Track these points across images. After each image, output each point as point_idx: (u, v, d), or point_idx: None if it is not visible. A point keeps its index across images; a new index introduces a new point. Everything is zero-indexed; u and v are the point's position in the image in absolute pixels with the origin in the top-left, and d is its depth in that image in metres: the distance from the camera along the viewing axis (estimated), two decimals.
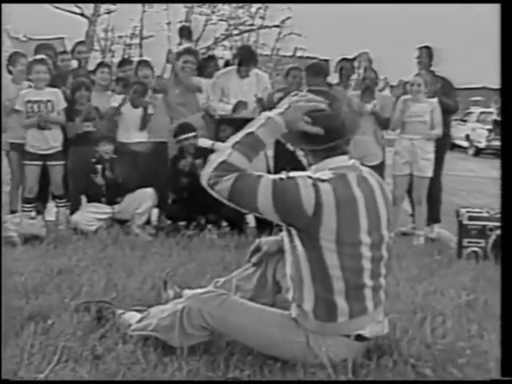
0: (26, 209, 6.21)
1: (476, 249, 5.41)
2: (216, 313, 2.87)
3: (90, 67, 7.47)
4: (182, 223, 6.19)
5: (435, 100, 6.16)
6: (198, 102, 6.62)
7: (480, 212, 5.59)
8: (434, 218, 6.58)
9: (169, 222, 6.37)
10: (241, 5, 22.31)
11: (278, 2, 21.93)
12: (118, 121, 6.47)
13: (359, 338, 2.83)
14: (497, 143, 17.69)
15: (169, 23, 21.34)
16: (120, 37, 23.16)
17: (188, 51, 6.74)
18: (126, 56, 20.10)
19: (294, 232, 2.76)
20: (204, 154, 5.98)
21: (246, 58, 6.51)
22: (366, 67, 6.44)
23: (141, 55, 19.51)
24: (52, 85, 6.27)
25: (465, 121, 22.09)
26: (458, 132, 21.41)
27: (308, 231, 2.68)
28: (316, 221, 2.64)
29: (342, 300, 2.75)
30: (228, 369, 2.83)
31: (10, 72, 6.48)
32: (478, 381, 2.87)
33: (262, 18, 22.89)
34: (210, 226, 6.05)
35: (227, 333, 2.95)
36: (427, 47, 6.69)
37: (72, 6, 19.94)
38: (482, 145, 19.72)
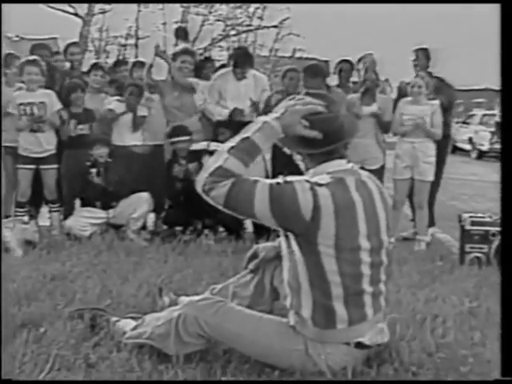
0: (18, 213, 6.20)
1: (479, 254, 5.41)
2: (212, 320, 2.87)
3: (85, 68, 7.46)
4: (179, 228, 6.19)
5: (436, 102, 6.16)
6: (195, 105, 6.61)
7: (483, 217, 5.59)
8: (429, 221, 6.58)
9: (165, 227, 6.36)
10: (238, 5, 22.31)
11: (278, 2, 21.96)
12: (113, 123, 6.46)
13: (359, 345, 2.84)
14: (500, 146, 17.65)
15: (164, 23, 21.42)
16: (115, 37, 23.16)
17: (186, 51, 6.73)
18: (120, 57, 20.12)
19: (291, 238, 2.77)
20: (198, 157, 6.01)
21: (241, 60, 6.51)
22: (366, 68, 6.45)
23: (136, 56, 19.51)
24: (47, 86, 6.27)
25: (467, 123, 22.10)
26: (461, 135, 21.45)
27: (306, 236, 2.69)
28: (314, 226, 2.65)
29: (341, 307, 2.75)
30: (225, 377, 2.83)
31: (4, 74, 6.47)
32: (478, 381, 2.88)
33: (260, 18, 22.90)
34: (206, 232, 6.05)
35: (224, 341, 2.95)
36: (424, 49, 6.70)
37: (65, 6, 19.91)
38: (485, 148, 19.67)
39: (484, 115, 21.65)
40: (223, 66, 7.38)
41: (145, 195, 6.11)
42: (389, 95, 6.89)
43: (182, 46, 7.14)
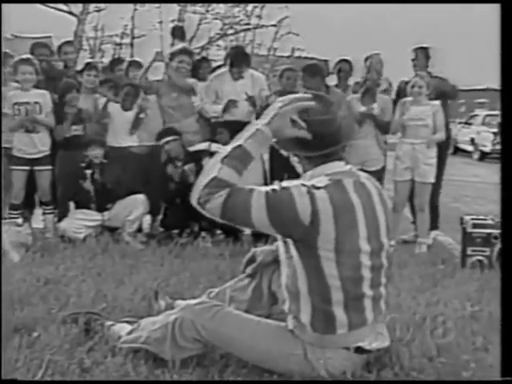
0: (12, 216, 6.18)
1: (481, 258, 5.40)
2: (209, 325, 2.88)
3: (79, 68, 7.43)
4: (175, 231, 6.19)
5: (437, 102, 6.15)
6: (193, 106, 6.61)
7: (485, 219, 5.58)
8: (432, 224, 6.58)
9: (161, 229, 6.36)
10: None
11: (277, 2, 21.98)
12: (108, 124, 6.47)
13: (359, 350, 2.84)
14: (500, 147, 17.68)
15: (161, 22, 21.44)
16: (110, 36, 23.17)
17: (183, 51, 6.69)
18: (116, 56, 20.10)
19: (290, 242, 2.77)
20: (195, 158, 6.01)
21: (237, 59, 6.49)
22: (368, 68, 6.45)
23: (132, 55, 19.51)
24: (45, 86, 6.26)
25: (469, 124, 22.11)
26: (463, 135, 21.47)
27: (305, 241, 2.69)
28: (313, 230, 2.65)
29: (340, 311, 2.75)
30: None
31: None
32: (479, 381, 2.89)
33: (259, 16, 22.93)
34: (203, 234, 6.05)
35: (221, 345, 2.96)
36: (423, 48, 6.70)
37: (60, 4, 19.91)
38: (488, 149, 19.62)
39: (486, 115, 21.63)
40: (219, 66, 7.37)
41: (141, 197, 6.10)
42: (389, 95, 6.89)
43: (179, 45, 7.12)
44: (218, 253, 5.51)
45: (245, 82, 6.51)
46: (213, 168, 2.72)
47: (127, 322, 3.33)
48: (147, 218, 6.58)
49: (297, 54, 24.12)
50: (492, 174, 14.39)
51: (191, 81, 6.65)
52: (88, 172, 6.06)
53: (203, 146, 6.18)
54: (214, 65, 7.74)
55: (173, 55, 6.64)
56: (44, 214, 6.40)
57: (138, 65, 6.80)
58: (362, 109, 6.24)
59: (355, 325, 2.78)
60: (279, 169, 6.27)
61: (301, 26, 24.98)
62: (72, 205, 6.32)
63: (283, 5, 22.18)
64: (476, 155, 20.49)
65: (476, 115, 22.90)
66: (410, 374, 2.95)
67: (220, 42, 22.88)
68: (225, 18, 22.55)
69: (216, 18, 22.47)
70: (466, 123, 22.55)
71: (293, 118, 2.75)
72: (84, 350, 3.11)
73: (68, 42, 7.57)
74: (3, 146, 6.18)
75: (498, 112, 21.21)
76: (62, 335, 3.29)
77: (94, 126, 6.40)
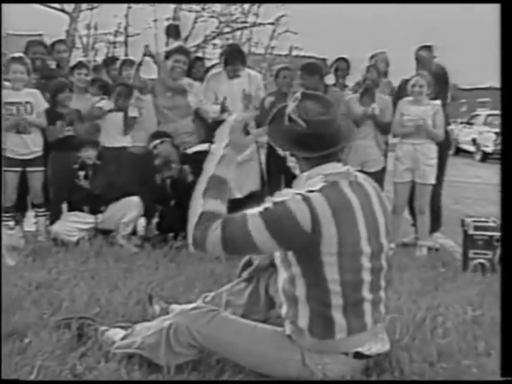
0: (4, 219, 6.16)
1: (482, 261, 5.41)
2: (205, 330, 2.88)
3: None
4: (170, 234, 6.18)
5: (438, 102, 6.15)
6: (189, 106, 6.60)
7: (486, 221, 5.58)
8: (434, 226, 6.59)
9: (156, 232, 6.36)
10: None
11: (276, 2, 21.97)
12: (101, 124, 6.46)
13: (358, 355, 2.85)
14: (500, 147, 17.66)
15: (156, 20, 21.38)
16: (104, 34, 23.12)
17: (179, 50, 6.67)
18: (110, 55, 20.07)
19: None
20: (190, 159, 6.01)
21: (231, 56, 6.47)
22: (368, 67, 6.45)
23: (126, 54, 19.48)
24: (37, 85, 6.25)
25: (471, 124, 22.10)
26: (464, 136, 21.49)
27: (309, 249, 2.69)
28: (316, 236, 2.65)
29: (339, 315, 2.75)
30: None
31: None
32: (479, 381, 2.89)
33: (256, 14, 22.92)
34: None
35: (217, 351, 2.96)
36: (427, 46, 6.71)
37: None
38: (490, 149, 19.57)
39: (488, 115, 21.58)
40: (214, 65, 7.37)
41: (135, 199, 6.10)
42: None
43: (176, 44, 7.12)
44: (213, 256, 5.50)
45: (241, 80, 6.51)
46: (196, 206, 2.78)
47: (121, 327, 3.33)
48: (142, 221, 6.58)
49: (295, 52, 24.10)
50: (494, 175, 14.40)
51: (186, 80, 6.65)
52: (81, 173, 6.05)
53: (203, 147, 6.16)
54: (209, 64, 7.71)
55: (168, 54, 6.62)
56: (36, 216, 6.38)
57: (132, 63, 6.79)
58: (361, 109, 6.24)
59: (354, 329, 2.78)
60: (276, 170, 6.29)
61: (299, 24, 25.04)
62: (65, 207, 6.31)
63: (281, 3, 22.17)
64: (478, 156, 20.48)
65: (478, 115, 22.89)
66: (411, 379, 2.95)
67: (216, 41, 22.86)
68: (221, 15, 22.52)
69: (212, 16, 22.43)
70: (467, 123, 22.57)
71: (246, 129, 2.89)
72: (76, 355, 3.11)
73: (61, 41, 7.56)
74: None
75: (500, 112, 21.21)
76: (54, 341, 3.28)
77: (85, 126, 6.39)
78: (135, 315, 3.73)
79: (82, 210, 6.10)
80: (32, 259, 5.25)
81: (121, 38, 22.80)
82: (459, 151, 21.52)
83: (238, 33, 23.58)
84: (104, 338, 3.25)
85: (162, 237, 6.17)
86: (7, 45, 7.49)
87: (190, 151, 6.21)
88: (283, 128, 2.87)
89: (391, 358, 3.08)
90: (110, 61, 7.50)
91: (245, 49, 14.78)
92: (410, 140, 6.12)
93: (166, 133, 6.24)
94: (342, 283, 2.72)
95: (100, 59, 12.85)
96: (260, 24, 23.21)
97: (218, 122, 6.26)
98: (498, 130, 19.23)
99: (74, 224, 6.00)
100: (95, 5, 20.96)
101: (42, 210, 6.34)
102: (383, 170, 6.48)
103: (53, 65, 7.05)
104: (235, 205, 5.92)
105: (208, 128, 6.59)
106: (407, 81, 6.30)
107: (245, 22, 23.09)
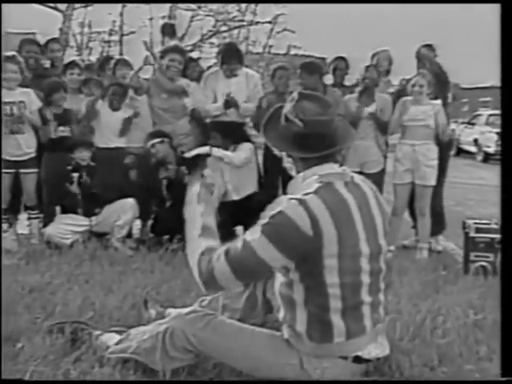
0: None
1: (484, 263, 5.41)
2: (201, 334, 2.88)
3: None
4: (166, 236, 6.18)
5: (439, 102, 6.15)
6: (185, 107, 6.59)
7: (488, 223, 5.59)
8: (437, 229, 6.60)
9: (151, 234, 6.35)
10: None
11: (275, 2, 21.98)
12: (95, 125, 6.45)
13: (357, 359, 2.85)
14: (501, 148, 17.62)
15: (151, 19, 21.40)
16: (98, 33, 23.11)
17: (175, 49, 6.67)
18: (104, 53, 20.07)
19: None
20: (186, 160, 6.01)
21: (228, 55, 6.47)
22: (367, 66, 6.45)
23: (121, 53, 19.48)
24: (26, 85, 6.24)
25: (473, 124, 22.06)
26: (466, 136, 21.47)
27: (313, 254, 2.69)
28: (318, 238, 2.65)
29: (338, 319, 2.76)
30: None
31: None
32: (479, 381, 2.90)
33: (253, 13, 22.94)
34: None
35: (214, 355, 2.96)
36: (428, 45, 6.71)
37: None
38: (492, 150, 19.50)
39: (490, 115, 21.50)
40: (210, 67, 7.36)
41: (130, 201, 6.09)
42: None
43: (172, 43, 7.11)
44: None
45: (239, 80, 6.51)
46: (194, 249, 2.84)
47: (116, 331, 3.32)
48: (137, 223, 6.58)
49: (293, 51, 24.12)
50: (496, 176, 14.36)
51: (184, 81, 6.64)
52: (75, 175, 6.05)
53: (203, 150, 6.14)
54: (205, 64, 7.71)
55: (164, 53, 6.62)
56: (29, 218, 6.37)
57: (126, 63, 6.76)
58: (360, 109, 6.24)
59: (353, 333, 2.79)
60: (273, 171, 6.29)
61: (297, 22, 25.06)
62: (58, 209, 6.31)
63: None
64: (479, 156, 20.44)
65: (479, 115, 22.84)
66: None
67: (213, 40, 22.86)
68: (218, 14, 22.53)
69: (208, 15, 22.46)
70: (469, 123, 22.54)
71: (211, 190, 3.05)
72: (70, 360, 3.11)
73: (54, 39, 7.54)
74: None
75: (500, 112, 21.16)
76: (47, 345, 3.28)
77: (80, 126, 6.38)
78: (130, 319, 3.73)
79: (76, 213, 6.10)
80: (25, 262, 5.25)
81: (116, 37, 22.79)
82: (460, 152, 21.52)
83: (236, 31, 23.62)
84: (98, 343, 3.25)
85: (158, 239, 6.17)
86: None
87: (188, 155, 6.16)
88: (280, 128, 2.88)
89: (391, 363, 3.08)
90: (104, 60, 7.49)
91: (242, 48, 14.80)
92: (410, 140, 6.12)
93: (166, 133, 6.24)
94: (341, 286, 2.72)
95: (94, 58, 12.86)
96: (258, 22, 23.23)
97: (215, 124, 6.36)
98: (500, 129, 19.22)
99: (67, 226, 6.00)
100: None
101: (35, 212, 6.33)
102: (383, 171, 6.47)
103: (47, 64, 7.04)
104: (233, 207, 5.99)
105: (204, 129, 6.60)
106: (407, 80, 6.31)
107: (242, 21, 23.11)
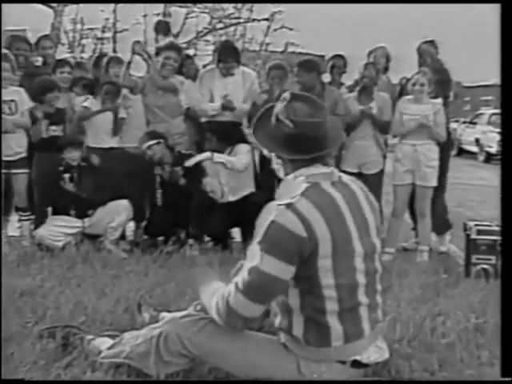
0: None
1: (486, 266, 5.41)
2: (197, 338, 2.88)
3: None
4: (160, 238, 6.18)
5: (439, 101, 6.15)
6: (180, 105, 6.58)
7: (490, 225, 5.58)
8: (444, 228, 6.60)
9: (145, 236, 6.35)
10: None
11: (276, 2, 21.98)
12: (87, 125, 6.44)
13: (356, 364, 2.85)
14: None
15: (145, 15, 21.35)
16: (90, 29, 23.05)
17: (170, 46, 6.65)
18: (97, 51, 20.03)
19: None
20: (183, 161, 6.02)
21: (224, 52, 6.46)
22: (366, 64, 6.45)
23: (114, 51, 19.44)
24: (20, 84, 6.23)
25: (474, 123, 22.06)
26: (467, 136, 21.47)
27: (310, 256, 2.69)
28: (313, 240, 2.67)
29: (335, 322, 2.76)
30: None
31: None
32: (479, 381, 2.90)
33: (250, 10, 22.91)
34: (191, 241, 6.03)
35: (209, 360, 2.96)
36: (431, 41, 6.71)
37: None
38: (494, 150, 19.45)
39: (492, 114, 21.44)
40: (207, 65, 7.35)
41: (124, 202, 6.09)
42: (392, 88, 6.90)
43: (167, 40, 7.10)
44: (206, 262, 5.49)
45: (236, 79, 6.50)
46: (212, 306, 2.86)
47: (108, 335, 3.32)
48: (131, 225, 6.57)
49: (291, 49, 24.11)
50: (498, 176, 14.42)
51: (178, 78, 6.64)
52: (66, 176, 6.04)
53: (204, 156, 6.14)
54: (201, 62, 7.70)
55: (159, 50, 6.61)
56: (20, 220, 6.37)
57: (119, 61, 6.74)
58: (360, 108, 6.24)
59: (351, 336, 2.79)
60: (270, 171, 6.27)
61: (295, 19, 25.04)
62: (50, 211, 6.29)
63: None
64: (481, 157, 20.43)
65: (481, 114, 22.79)
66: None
67: (209, 37, 22.84)
68: (213, 11, 22.50)
69: (204, 12, 22.43)
70: (470, 122, 22.54)
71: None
72: (61, 365, 3.11)
73: (46, 36, 7.51)
74: None
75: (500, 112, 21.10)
76: (37, 351, 3.28)
77: (72, 126, 6.37)
78: (123, 323, 3.73)
79: (68, 214, 6.09)
80: (16, 265, 5.24)
81: (109, 34, 22.73)
82: (462, 152, 21.55)
83: (232, 29, 23.57)
84: (90, 348, 3.25)
85: (152, 241, 6.17)
86: None
87: (190, 163, 6.12)
88: (270, 128, 2.89)
89: (390, 367, 3.08)
90: (99, 58, 7.46)
91: (239, 45, 14.78)
92: (410, 140, 6.10)
93: (161, 133, 6.23)
94: (337, 287, 2.73)
95: (87, 56, 12.83)
96: (254, 20, 23.20)
97: (211, 124, 6.36)
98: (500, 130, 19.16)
99: (59, 228, 5.99)
100: None
101: (26, 213, 6.32)
102: (382, 171, 6.48)
103: (38, 62, 7.03)
104: (229, 208, 5.99)
105: (199, 128, 6.60)
106: (408, 79, 6.30)
107: (238, 18, 23.08)
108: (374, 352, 2.89)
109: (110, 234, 6.04)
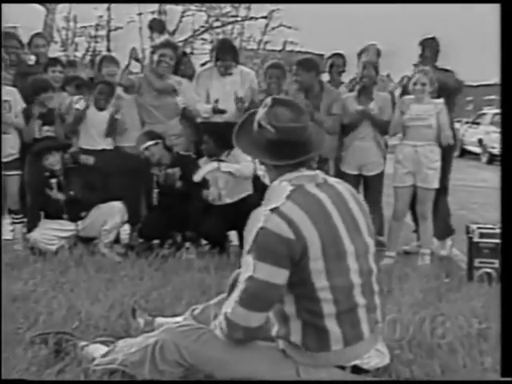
0: None
1: (489, 270, 5.40)
2: (194, 347, 2.89)
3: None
4: (156, 241, 6.17)
5: (441, 101, 6.09)
6: (177, 105, 6.57)
7: (493, 228, 5.56)
8: (446, 232, 6.61)
9: (140, 239, 6.34)
10: None
11: (276, 2, 21.99)
12: (80, 126, 6.39)
13: (356, 369, 2.85)
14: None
15: (140, 14, 21.34)
16: (84, 27, 23.03)
17: (166, 44, 6.62)
18: (90, 49, 20.02)
19: None
20: (182, 162, 6.01)
21: (222, 51, 6.46)
22: (364, 63, 6.44)
23: (108, 49, 19.44)
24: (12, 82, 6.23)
25: (477, 123, 22.03)
26: (470, 136, 21.44)
27: (300, 258, 2.70)
28: (302, 242, 2.68)
29: (333, 325, 2.77)
30: None
31: None
32: (479, 381, 2.90)
33: (248, 8, 22.91)
34: (187, 245, 6.04)
35: (206, 369, 2.95)
36: (433, 39, 6.68)
37: None
38: (497, 151, 19.40)
39: (495, 114, 21.39)
40: (205, 63, 7.34)
41: (117, 204, 6.08)
42: (393, 89, 6.89)
43: (163, 38, 7.08)
44: (202, 265, 5.50)
45: (234, 78, 6.49)
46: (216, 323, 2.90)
47: (102, 342, 3.32)
48: (126, 228, 6.56)
49: (289, 48, 24.14)
50: None
51: (175, 79, 6.62)
52: (53, 181, 6.01)
53: (211, 166, 6.12)
54: (199, 60, 7.69)
55: (155, 48, 6.59)
56: (13, 223, 6.36)
57: (112, 60, 6.72)
58: (359, 108, 6.23)
59: (351, 339, 2.79)
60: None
61: (293, 17, 25.04)
62: (43, 213, 6.28)
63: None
64: (484, 158, 20.38)
65: (484, 114, 22.72)
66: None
67: (205, 36, 22.85)
68: (210, 9, 22.50)
69: (200, 10, 22.42)
70: (473, 123, 22.53)
71: None
72: (53, 372, 3.11)
73: (39, 34, 7.50)
74: None
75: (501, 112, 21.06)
76: (29, 357, 3.27)
77: (65, 127, 6.35)
78: (117, 329, 3.72)
79: (60, 218, 6.07)
80: (8, 269, 5.22)
81: (102, 32, 22.72)
82: (464, 153, 21.54)
83: (229, 27, 23.58)
84: (84, 354, 3.24)
85: (148, 245, 6.16)
86: None
87: (198, 178, 6.10)
88: (253, 134, 2.92)
89: (391, 373, 3.08)
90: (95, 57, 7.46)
91: (236, 44, 14.79)
92: (411, 141, 6.05)
93: (158, 134, 6.22)
94: (332, 289, 2.74)
95: (80, 54, 12.83)
96: (252, 18, 23.22)
97: (207, 125, 6.34)
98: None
99: (53, 232, 5.98)
100: None
101: (18, 216, 6.31)
102: (382, 173, 6.47)
103: (31, 60, 7.03)
104: (226, 210, 5.99)
105: (196, 129, 6.59)
106: (409, 79, 6.28)
107: (236, 16, 23.10)
108: (374, 356, 2.89)
109: (104, 236, 6.03)
